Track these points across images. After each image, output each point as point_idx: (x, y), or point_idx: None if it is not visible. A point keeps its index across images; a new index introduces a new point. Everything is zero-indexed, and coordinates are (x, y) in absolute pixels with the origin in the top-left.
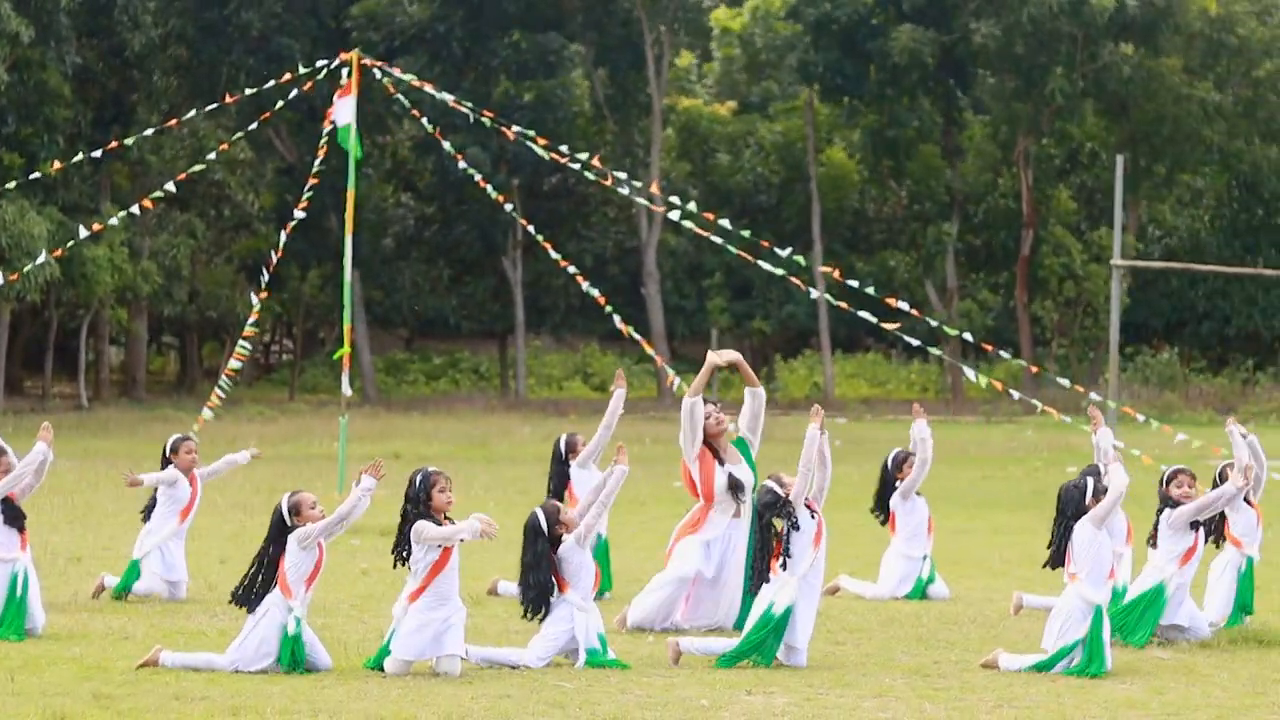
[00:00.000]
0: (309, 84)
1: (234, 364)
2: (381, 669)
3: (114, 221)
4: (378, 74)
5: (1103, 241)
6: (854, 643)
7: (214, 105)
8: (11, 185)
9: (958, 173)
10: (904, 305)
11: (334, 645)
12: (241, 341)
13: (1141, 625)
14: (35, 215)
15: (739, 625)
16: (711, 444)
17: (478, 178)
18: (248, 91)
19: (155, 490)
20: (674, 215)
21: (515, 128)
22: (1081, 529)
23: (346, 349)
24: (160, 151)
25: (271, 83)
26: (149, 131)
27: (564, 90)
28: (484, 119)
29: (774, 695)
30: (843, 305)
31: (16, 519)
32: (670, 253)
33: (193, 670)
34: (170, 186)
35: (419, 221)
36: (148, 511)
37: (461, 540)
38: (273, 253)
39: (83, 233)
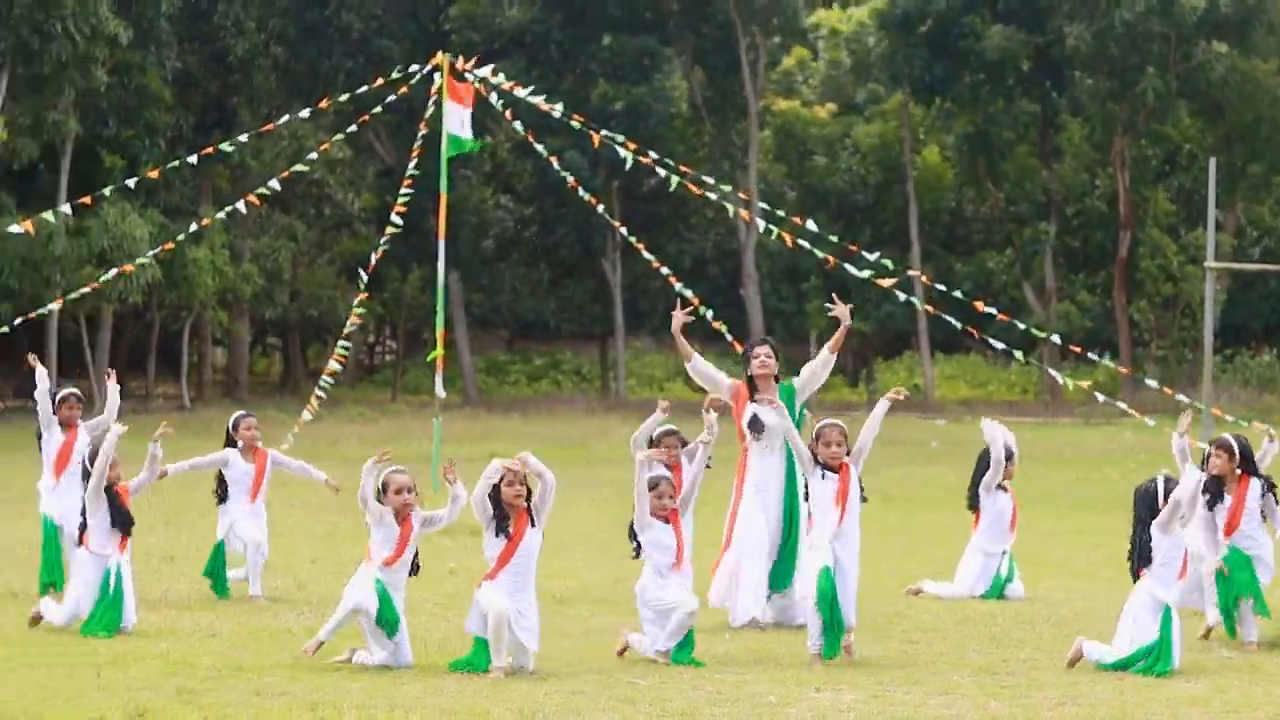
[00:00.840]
0: (403, 87)
1: (333, 365)
2: (467, 668)
3: (220, 216)
4: (469, 77)
5: (1199, 243)
6: (927, 642)
7: (308, 110)
8: (108, 190)
9: (1054, 174)
10: (992, 310)
11: (415, 643)
12: (340, 344)
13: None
14: (136, 218)
15: (779, 585)
16: (753, 382)
17: (570, 180)
18: (342, 98)
19: (220, 472)
20: (763, 223)
21: (604, 131)
22: (1154, 532)
23: (440, 350)
24: (260, 155)
25: (364, 88)
26: (243, 137)
27: (660, 93)
28: (573, 122)
29: (842, 692)
30: (928, 309)
31: (124, 523)
32: (768, 254)
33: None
34: (274, 184)
35: (518, 224)
36: (221, 492)
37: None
38: (373, 254)
39: (185, 231)
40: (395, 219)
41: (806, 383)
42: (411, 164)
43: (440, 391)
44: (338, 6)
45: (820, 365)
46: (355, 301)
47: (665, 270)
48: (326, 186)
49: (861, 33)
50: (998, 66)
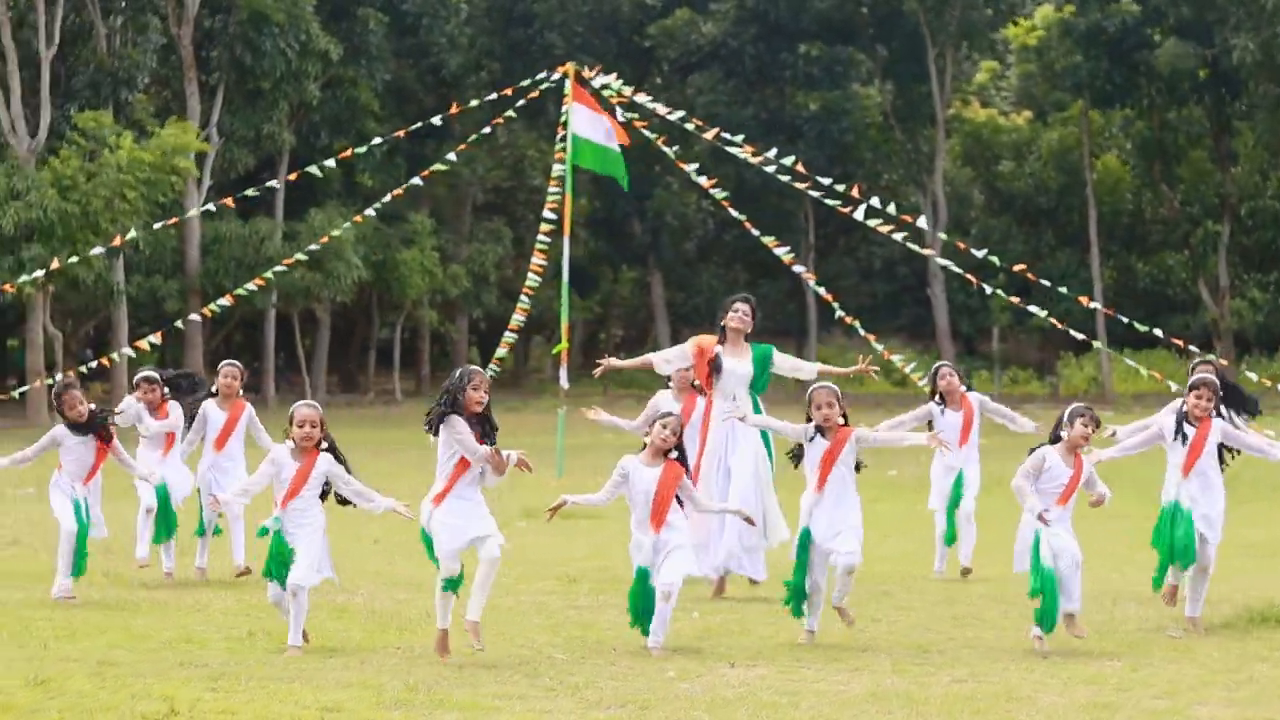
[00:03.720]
0: (534, 92)
1: (500, 353)
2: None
3: (370, 212)
4: (596, 84)
5: None
6: (890, 621)
7: (439, 118)
8: (356, 150)
9: (1229, 176)
10: (1121, 320)
11: (361, 616)
12: (507, 334)
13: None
14: (343, 222)
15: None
16: (725, 334)
17: (744, 221)
18: (472, 103)
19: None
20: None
21: (723, 135)
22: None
23: (564, 344)
24: (472, 164)
25: (494, 94)
26: (374, 139)
27: (853, 98)
28: (688, 125)
29: (755, 668)
30: (1067, 331)
31: None
32: (954, 253)
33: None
34: (417, 180)
35: (719, 226)
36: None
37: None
38: (532, 256)
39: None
40: (548, 214)
41: (782, 365)
42: (555, 167)
43: (564, 383)
44: (541, 26)
45: (805, 369)
46: (521, 295)
47: (821, 289)
48: (545, 193)
49: (1046, 45)
50: (1172, 75)
